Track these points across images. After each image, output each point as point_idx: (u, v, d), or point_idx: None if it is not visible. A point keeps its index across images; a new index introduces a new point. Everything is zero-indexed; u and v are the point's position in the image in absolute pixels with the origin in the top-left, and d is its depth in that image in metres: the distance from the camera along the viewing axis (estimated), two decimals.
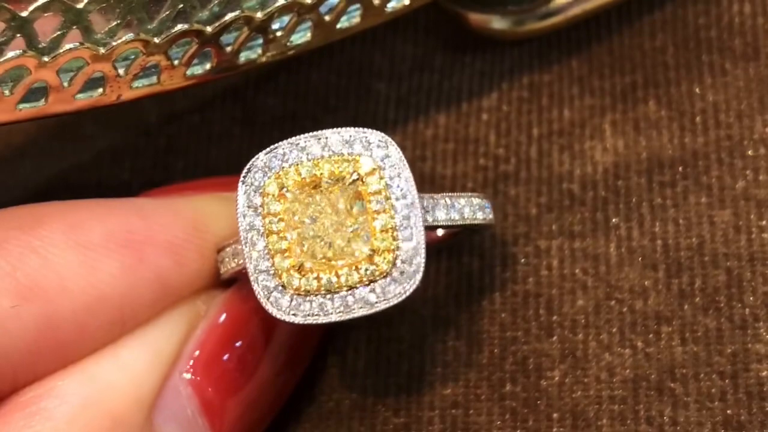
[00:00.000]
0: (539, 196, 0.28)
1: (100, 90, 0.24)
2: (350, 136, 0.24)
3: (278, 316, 0.23)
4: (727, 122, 0.28)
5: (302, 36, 0.25)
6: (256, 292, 0.23)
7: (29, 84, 0.23)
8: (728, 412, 0.25)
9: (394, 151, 0.24)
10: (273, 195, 0.24)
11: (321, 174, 0.24)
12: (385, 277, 0.23)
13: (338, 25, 0.26)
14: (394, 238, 0.23)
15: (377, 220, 0.24)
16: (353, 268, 0.23)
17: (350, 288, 0.23)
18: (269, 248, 0.23)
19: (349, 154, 0.24)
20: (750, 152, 0.28)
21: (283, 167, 0.24)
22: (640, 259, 0.27)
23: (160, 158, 0.30)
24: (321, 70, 0.30)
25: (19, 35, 0.22)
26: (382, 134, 0.24)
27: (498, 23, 0.29)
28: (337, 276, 0.23)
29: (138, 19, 0.23)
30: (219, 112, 0.30)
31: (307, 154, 0.24)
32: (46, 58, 0.22)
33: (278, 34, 0.25)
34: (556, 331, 0.27)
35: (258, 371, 0.25)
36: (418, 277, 0.23)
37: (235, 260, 0.24)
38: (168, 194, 0.26)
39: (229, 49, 0.25)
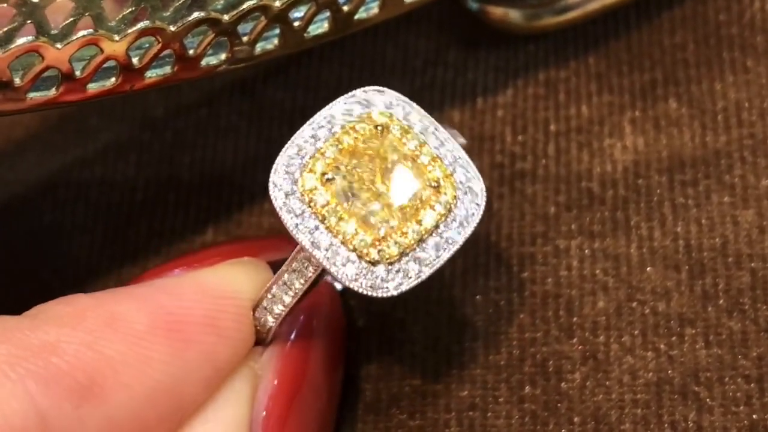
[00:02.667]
0: (557, 195, 0.28)
1: (113, 79, 0.23)
2: (345, 105, 0.24)
3: (385, 295, 0.23)
4: (749, 120, 0.28)
5: (319, 27, 0.25)
6: (351, 285, 0.23)
7: (41, 72, 0.22)
8: (754, 416, 0.25)
9: (391, 95, 0.24)
10: (315, 188, 0.23)
11: (348, 145, 0.23)
12: (456, 202, 0.23)
13: (356, 16, 0.25)
14: (444, 165, 0.23)
15: (421, 157, 0.23)
16: (428, 207, 0.23)
17: (435, 227, 0.23)
18: (341, 236, 0.23)
19: (357, 117, 0.24)
20: None
21: (306, 161, 0.23)
22: (662, 259, 0.27)
23: (166, 153, 0.29)
24: (332, 64, 0.30)
25: (29, 21, 0.21)
26: (371, 87, 0.24)
27: (515, 17, 0.29)
28: (419, 223, 0.23)
29: (152, 7, 0.22)
30: (227, 106, 0.30)
31: (320, 140, 0.23)
32: (59, 45, 0.21)
33: (296, 24, 0.24)
34: (576, 332, 0.26)
35: (313, 409, 0.25)
36: (482, 185, 0.23)
37: (290, 293, 0.24)
38: (177, 269, 0.25)
39: (245, 39, 0.24)
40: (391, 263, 0.23)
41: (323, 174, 0.23)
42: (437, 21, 0.30)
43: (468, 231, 0.23)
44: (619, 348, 0.26)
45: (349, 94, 0.24)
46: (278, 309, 0.24)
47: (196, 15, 0.23)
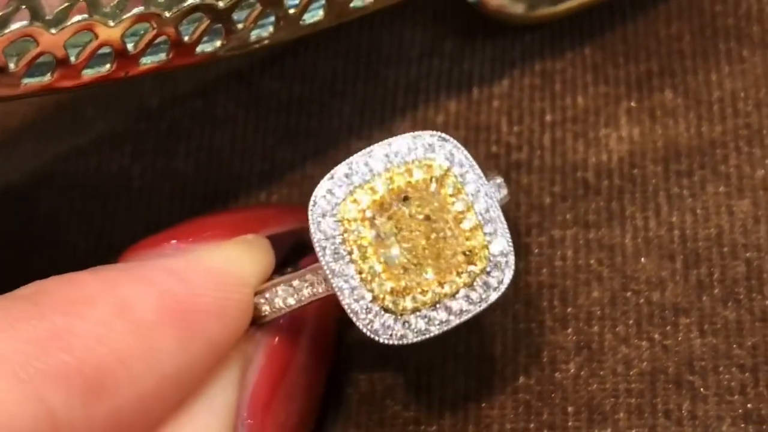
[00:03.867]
0: (553, 185, 0.28)
1: (108, 65, 0.23)
2: (408, 143, 0.23)
3: (387, 342, 0.23)
4: (745, 110, 0.28)
5: (314, 14, 0.25)
6: (358, 323, 0.23)
7: (35, 57, 0.22)
8: (748, 405, 0.25)
9: (454, 147, 0.24)
10: (354, 219, 0.23)
11: (398, 187, 0.23)
12: (483, 274, 0.23)
13: (352, 4, 0.25)
14: (483, 234, 0.23)
15: (465, 221, 0.23)
16: (454, 274, 0.23)
17: (454, 294, 0.23)
18: (363, 275, 0.23)
19: (415, 161, 0.23)
20: None
21: (353, 189, 0.23)
22: (657, 249, 0.27)
23: (161, 142, 0.29)
24: (328, 54, 0.30)
25: (24, 7, 0.21)
26: (437, 132, 0.24)
27: (511, 8, 0.29)
28: (441, 286, 0.23)
29: None
30: (223, 95, 0.30)
31: (372, 170, 0.23)
32: (53, 30, 0.21)
33: (291, 11, 0.24)
34: (570, 323, 0.26)
35: (297, 396, 0.25)
36: (512, 264, 0.23)
37: (295, 297, 0.24)
38: (178, 238, 0.25)
39: (240, 26, 0.24)
40: (401, 315, 0.23)
41: (365, 210, 0.23)
42: (433, 11, 0.30)
43: (485, 304, 0.23)
44: (614, 338, 0.26)
45: (416, 132, 0.23)
46: (279, 305, 0.24)
47: (191, 1, 0.23)
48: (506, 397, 0.26)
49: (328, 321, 0.26)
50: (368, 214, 0.23)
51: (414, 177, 0.23)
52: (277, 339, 0.24)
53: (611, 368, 0.26)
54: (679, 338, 0.26)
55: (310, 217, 0.23)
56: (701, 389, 0.25)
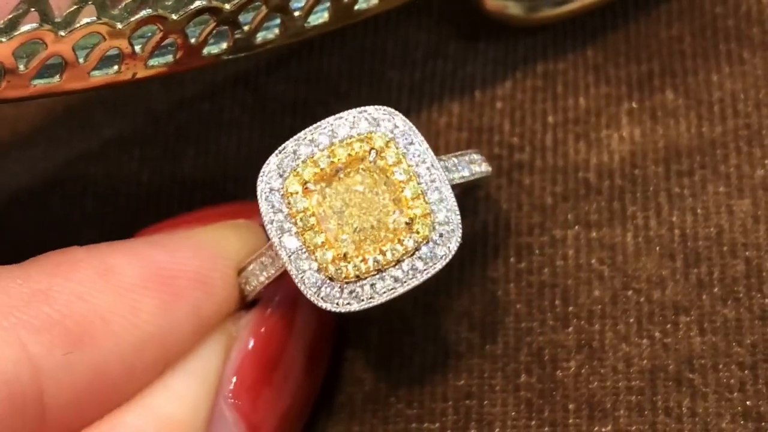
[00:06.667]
0: (554, 185, 0.28)
1: (116, 67, 0.23)
2: (354, 117, 0.24)
3: (334, 309, 0.23)
4: (745, 111, 0.28)
5: (320, 17, 0.25)
6: (305, 292, 0.23)
7: (45, 59, 0.22)
8: (748, 403, 0.25)
9: (401, 120, 0.24)
10: (297, 193, 0.24)
11: (338, 160, 0.24)
12: (427, 242, 0.24)
13: (357, 6, 0.25)
14: (426, 202, 0.24)
15: (405, 190, 0.24)
16: (396, 241, 0.24)
17: (397, 262, 0.24)
18: (307, 245, 0.23)
19: (358, 134, 0.24)
20: None
21: (297, 164, 0.24)
22: (657, 248, 0.27)
23: (169, 146, 0.30)
24: (333, 57, 0.30)
25: (33, 9, 0.22)
26: (384, 107, 0.24)
27: (514, 9, 0.29)
28: (383, 254, 0.24)
29: None
30: (229, 99, 0.30)
31: (318, 145, 0.24)
32: (62, 33, 0.22)
33: (296, 14, 0.25)
34: (572, 321, 0.27)
35: (291, 382, 0.25)
36: (458, 233, 0.24)
37: (264, 273, 0.24)
38: (176, 227, 0.26)
39: (246, 28, 0.24)
40: (346, 283, 0.23)
41: (307, 182, 0.24)
42: (437, 14, 0.30)
43: (430, 272, 0.24)
44: (614, 336, 0.26)
45: (362, 108, 0.24)
46: (254, 282, 0.24)
47: (197, 4, 0.23)
48: (508, 395, 0.26)
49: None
50: (311, 186, 0.24)
51: (355, 150, 0.24)
52: (268, 320, 0.25)
53: (612, 366, 0.26)
54: (679, 336, 0.26)
55: (258, 192, 0.24)
56: (701, 387, 0.25)
